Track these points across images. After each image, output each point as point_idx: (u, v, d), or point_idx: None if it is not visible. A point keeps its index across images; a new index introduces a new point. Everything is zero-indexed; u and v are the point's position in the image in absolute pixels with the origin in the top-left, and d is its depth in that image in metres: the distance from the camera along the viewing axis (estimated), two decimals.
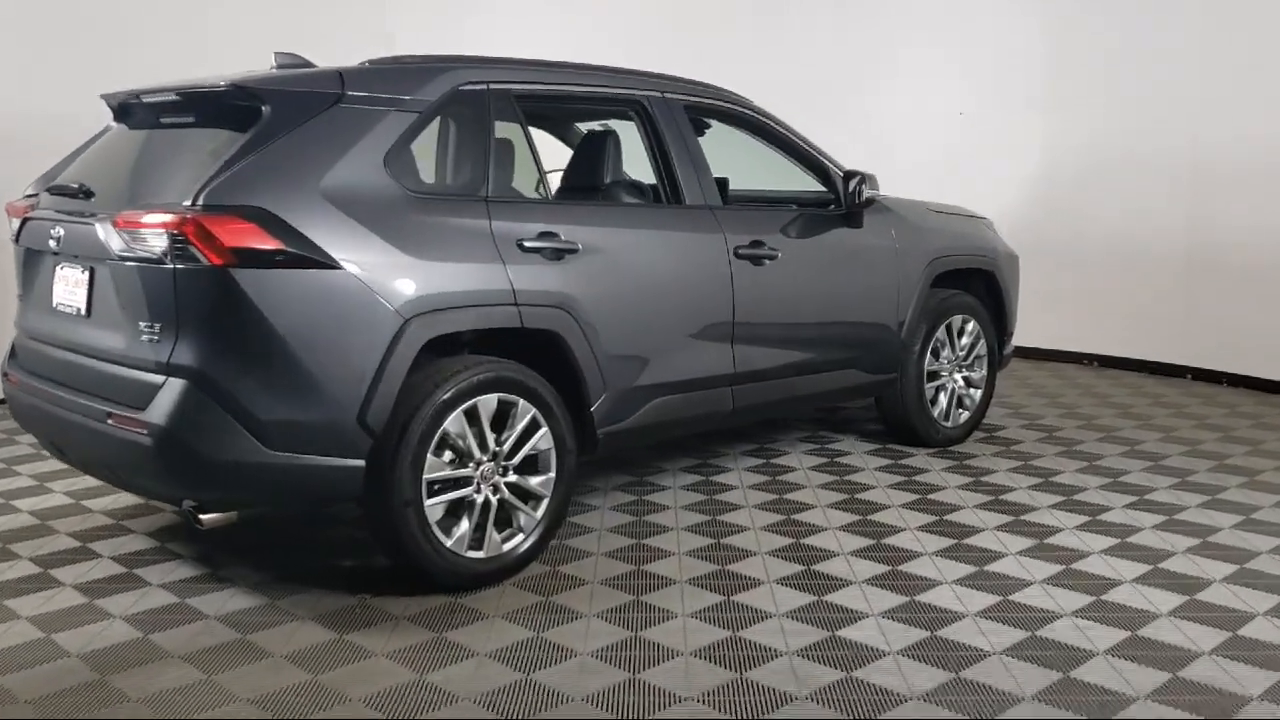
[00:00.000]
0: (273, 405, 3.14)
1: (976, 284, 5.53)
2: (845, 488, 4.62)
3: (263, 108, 3.30)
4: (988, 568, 3.70)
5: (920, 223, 5.15)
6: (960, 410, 5.38)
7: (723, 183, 5.06)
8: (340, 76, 3.46)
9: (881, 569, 3.70)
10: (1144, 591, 3.50)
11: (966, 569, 3.69)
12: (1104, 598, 3.45)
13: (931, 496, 4.50)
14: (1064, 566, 3.72)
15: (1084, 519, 4.21)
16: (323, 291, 3.18)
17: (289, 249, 3.14)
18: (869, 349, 4.88)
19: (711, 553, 3.85)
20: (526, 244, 3.60)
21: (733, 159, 5.06)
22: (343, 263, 3.20)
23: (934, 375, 5.24)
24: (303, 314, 3.16)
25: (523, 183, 4.05)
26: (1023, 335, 7.77)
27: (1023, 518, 4.22)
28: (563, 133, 5.31)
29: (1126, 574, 3.65)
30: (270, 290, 3.12)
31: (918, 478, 4.78)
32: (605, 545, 3.92)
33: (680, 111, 4.29)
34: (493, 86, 3.74)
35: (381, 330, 3.25)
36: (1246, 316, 6.73)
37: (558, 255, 3.67)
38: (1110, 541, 3.96)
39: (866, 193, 4.63)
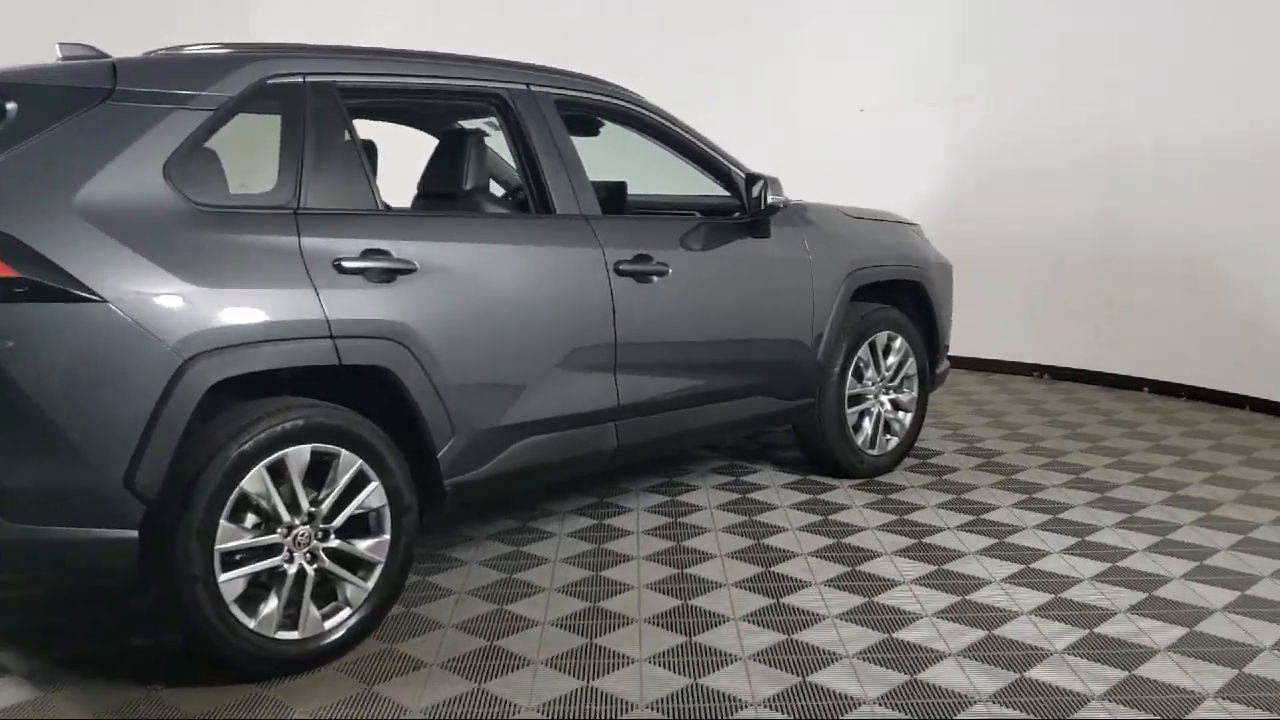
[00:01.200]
0: (12, 467, 2.58)
1: (904, 297, 5.02)
2: (752, 530, 4.09)
3: (6, 105, 2.73)
4: (899, 635, 3.18)
5: (836, 231, 4.63)
6: (888, 436, 4.87)
7: (619, 189, 4.54)
8: (113, 68, 2.90)
9: (774, 638, 3.16)
10: (1076, 665, 2.98)
11: (874, 636, 3.16)
12: (1029, 675, 2.93)
13: (847, 540, 3.97)
14: (986, 633, 3.20)
15: (1015, 568, 3.70)
16: (78, 329, 2.62)
17: (32, 278, 2.57)
18: (779, 373, 4.35)
19: (582, 621, 3.31)
20: (346, 264, 3.04)
21: (637, 162, 4.53)
22: (103, 293, 2.63)
23: (857, 399, 4.72)
24: (52, 356, 2.59)
25: (351, 193, 3.47)
26: (970, 346, 7.36)
27: (946, 567, 3.70)
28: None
29: (1059, 642, 3.13)
30: (8, 329, 2.56)
31: (835, 516, 4.26)
32: (461, 613, 3.37)
33: (551, 107, 3.75)
34: (310, 79, 3.18)
35: (153, 373, 2.68)
36: (1203, 328, 6.26)
37: (387, 276, 3.12)
38: (1043, 598, 3.44)
39: (770, 198, 4.10)
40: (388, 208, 3.58)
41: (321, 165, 3.14)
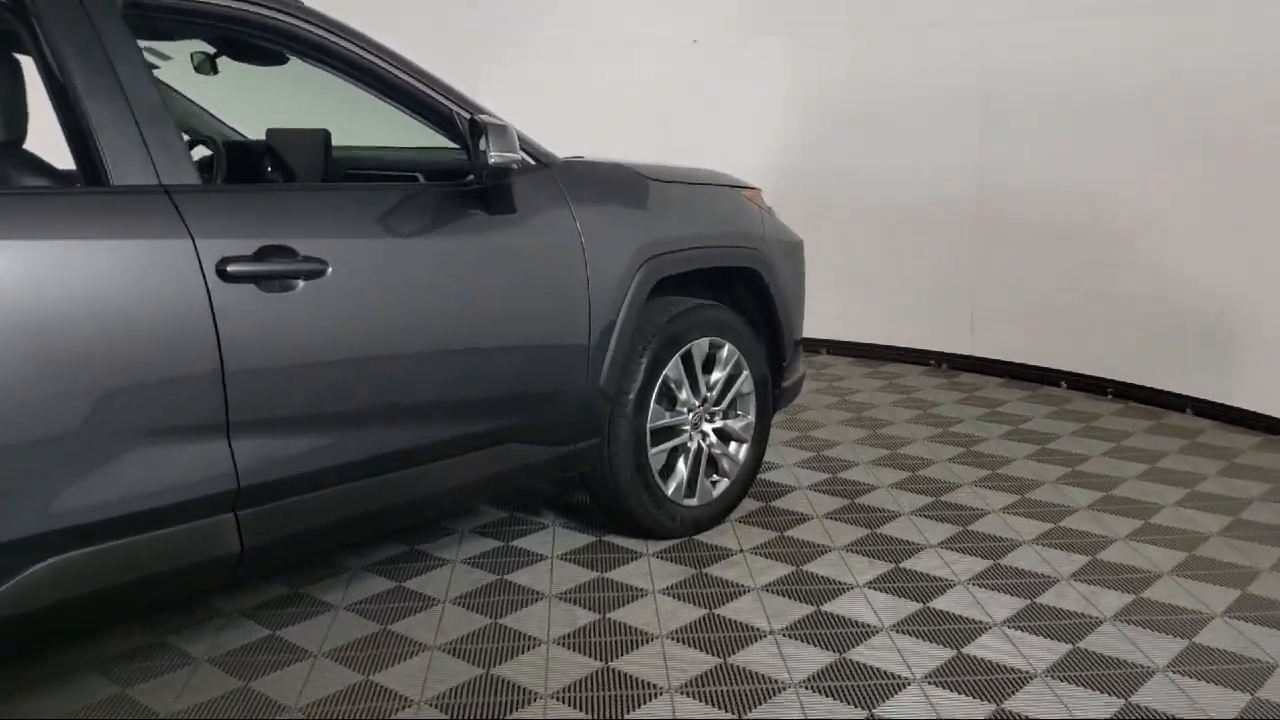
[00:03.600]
0: None
1: (735, 288, 3.73)
2: (498, 641, 2.78)
3: None
4: None
5: (628, 200, 3.30)
6: (715, 479, 3.59)
7: (315, 142, 3.19)
8: None
9: None
10: None
11: None
12: None
13: (627, 663, 2.69)
14: None
15: (859, 716, 2.45)
16: None
17: None
18: (538, 409, 3.03)
19: None
20: None
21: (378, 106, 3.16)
22: None
23: (667, 433, 3.43)
24: None
25: None
26: (856, 329, 6.13)
27: (769, 696, 2.44)
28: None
29: None
30: None
31: (621, 611, 2.97)
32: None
33: (113, 23, 2.34)
34: None
35: None
36: (1111, 312, 5.06)
37: None
38: None
39: (495, 153, 2.74)
40: None
41: None
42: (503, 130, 2.74)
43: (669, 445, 3.42)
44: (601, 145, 4.19)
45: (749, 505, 3.78)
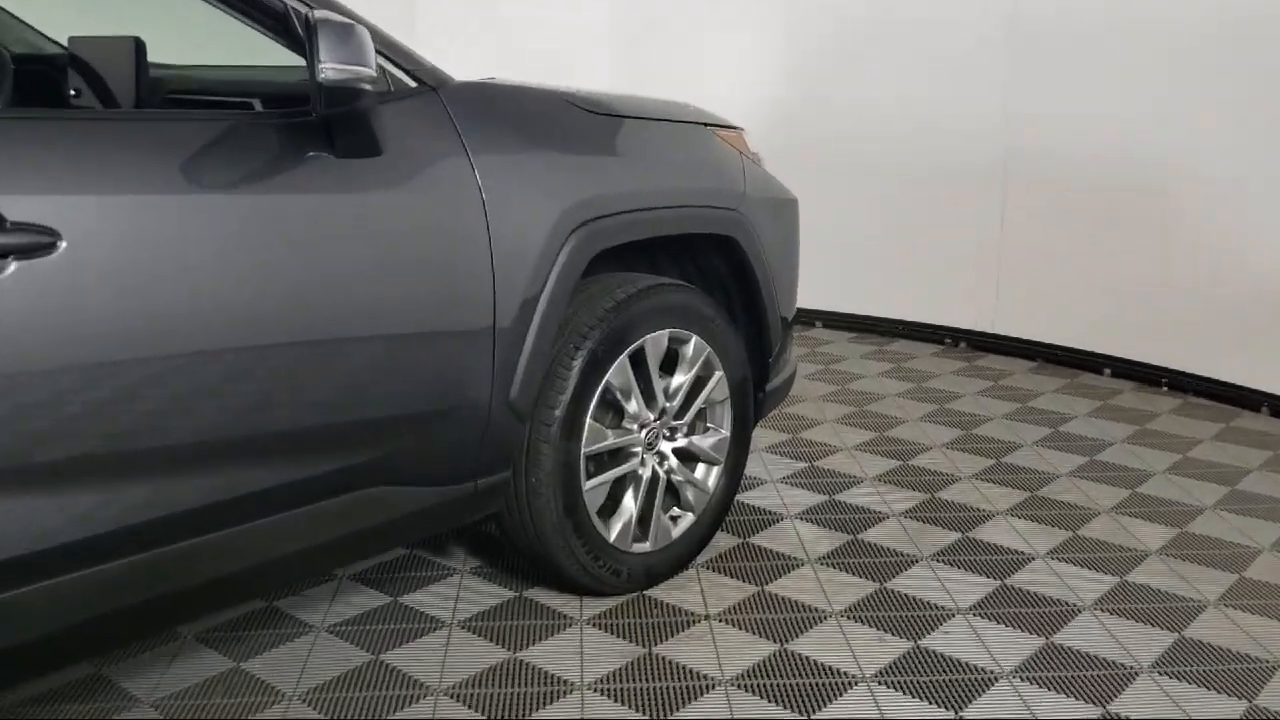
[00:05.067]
0: None
1: (705, 262, 2.84)
2: None
3: None
4: None
5: (552, 140, 2.38)
6: (676, 513, 2.72)
7: (126, 51, 2.27)
8: None
9: None
10: None
11: None
12: None
13: None
14: None
15: None
16: None
17: None
18: (414, 436, 2.13)
19: None
20: None
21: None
22: None
23: (611, 458, 2.55)
24: None
25: None
26: (860, 300, 5.23)
27: None
28: None
29: None
30: None
31: (537, 717, 2.12)
32: None
33: None
34: None
35: None
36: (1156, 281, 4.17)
37: None
38: None
39: (331, 68, 1.81)
40: None
41: None
42: (345, 32, 1.82)
43: (612, 475, 2.53)
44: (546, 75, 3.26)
45: (722, 541, 2.91)
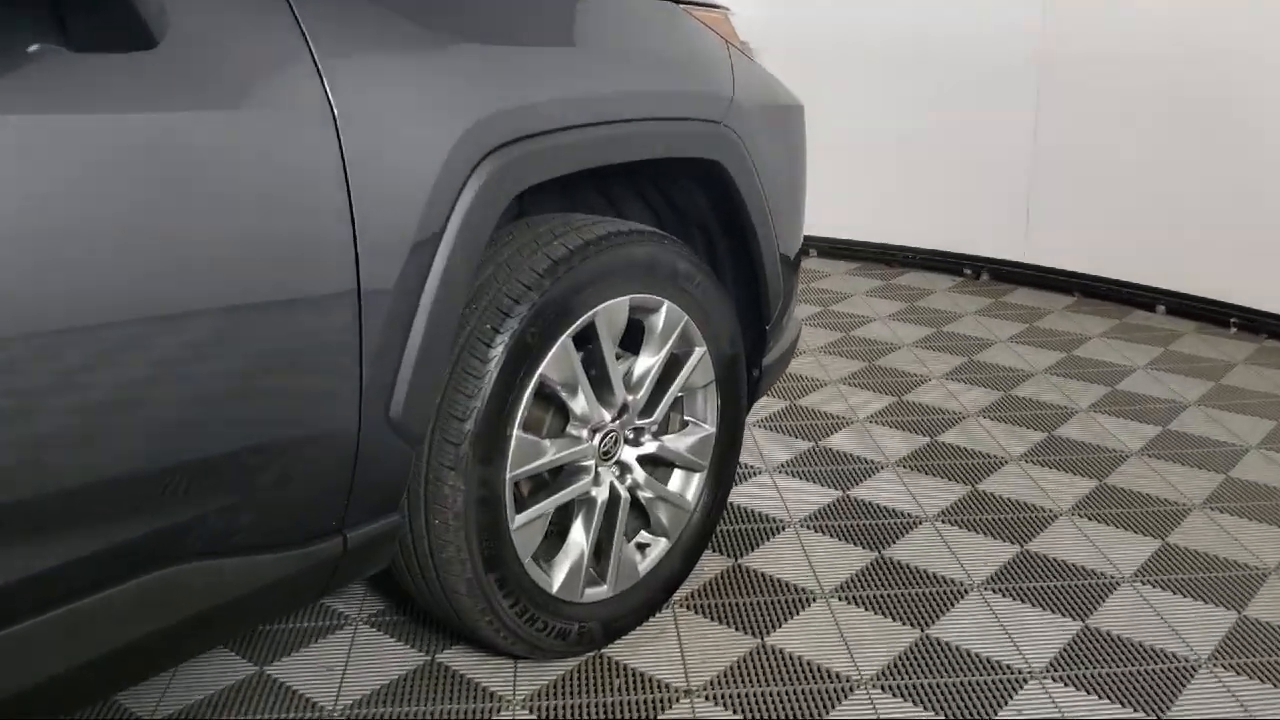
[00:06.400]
0: None
1: (680, 196, 2.08)
2: None
3: None
4: None
5: (444, 20, 1.59)
6: (645, 539, 2.00)
7: None
8: None
9: None
10: None
11: None
12: None
13: None
14: None
15: None
16: None
17: None
18: (237, 477, 1.38)
19: None
20: None
21: None
22: None
23: (555, 477, 1.83)
24: None
25: None
26: (862, 225, 4.48)
27: None
28: None
29: None
30: None
31: None
32: None
33: None
34: None
35: None
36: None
37: None
38: None
39: None
40: None
41: None
42: None
43: (553, 503, 1.80)
44: None
45: (707, 565, 2.21)
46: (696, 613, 2.06)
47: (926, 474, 2.61)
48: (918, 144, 4.21)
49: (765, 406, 2.98)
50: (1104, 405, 3.01)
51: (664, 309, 1.88)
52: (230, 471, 1.38)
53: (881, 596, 2.10)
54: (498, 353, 1.64)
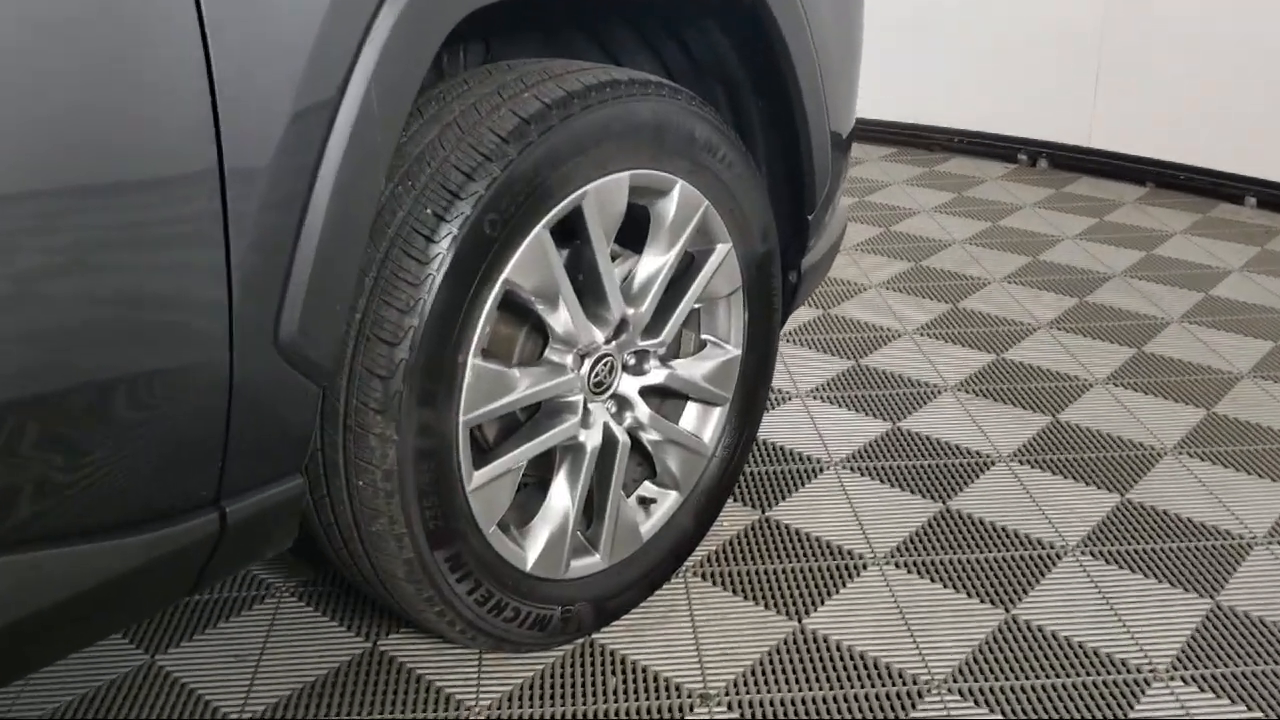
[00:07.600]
0: None
1: (699, 44, 1.57)
2: None
3: None
4: None
5: None
6: (650, 492, 1.54)
7: None
8: None
9: None
10: None
11: None
12: None
13: None
14: None
15: None
16: None
17: None
18: (58, 433, 0.92)
19: None
20: None
21: None
22: None
23: (531, 419, 1.36)
24: None
25: None
26: (902, 104, 3.92)
27: None
28: None
29: None
30: None
31: None
32: None
33: None
34: None
35: None
36: None
37: None
38: None
39: None
40: None
41: None
42: None
43: (526, 452, 1.34)
44: None
45: (726, 519, 1.75)
46: (714, 583, 1.61)
47: (994, 399, 2.14)
48: (971, 10, 3.64)
49: (794, 317, 2.50)
50: (1197, 315, 2.53)
51: (676, 191, 1.39)
52: (39, 423, 0.91)
53: (951, 562, 1.65)
54: (442, 249, 1.16)
